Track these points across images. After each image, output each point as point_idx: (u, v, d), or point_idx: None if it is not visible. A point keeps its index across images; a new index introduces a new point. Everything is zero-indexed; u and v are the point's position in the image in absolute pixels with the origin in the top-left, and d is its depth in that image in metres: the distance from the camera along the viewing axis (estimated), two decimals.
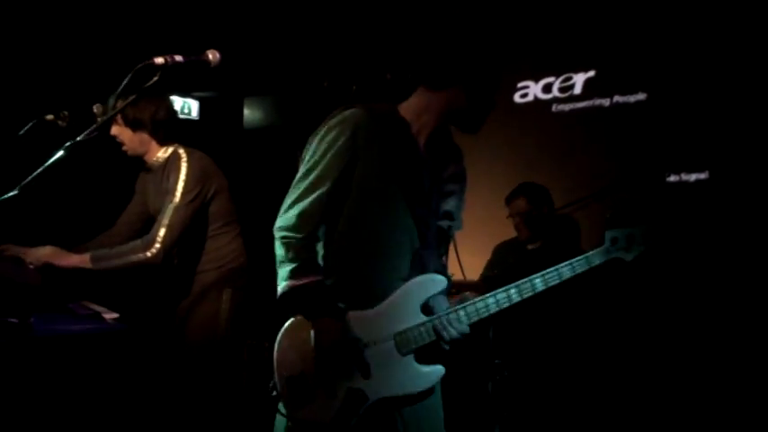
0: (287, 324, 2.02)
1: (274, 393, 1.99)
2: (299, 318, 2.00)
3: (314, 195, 1.96)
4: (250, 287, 3.10)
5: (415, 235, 2.01)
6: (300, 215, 1.96)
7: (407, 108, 2.07)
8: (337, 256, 2.01)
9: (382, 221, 1.99)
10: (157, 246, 2.78)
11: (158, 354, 3.11)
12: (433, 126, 2.07)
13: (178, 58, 1.91)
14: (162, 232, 2.80)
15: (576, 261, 2.00)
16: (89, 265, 2.78)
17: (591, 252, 2.01)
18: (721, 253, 3.59)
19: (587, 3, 4.23)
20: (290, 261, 1.95)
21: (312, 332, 1.94)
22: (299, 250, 1.96)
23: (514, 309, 2.01)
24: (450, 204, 2.08)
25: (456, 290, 2.35)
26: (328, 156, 1.96)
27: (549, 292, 1.98)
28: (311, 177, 1.97)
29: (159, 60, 1.88)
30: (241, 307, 3.04)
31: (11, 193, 1.89)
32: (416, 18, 4.59)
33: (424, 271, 2.02)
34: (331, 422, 1.93)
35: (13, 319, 2.27)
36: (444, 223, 2.07)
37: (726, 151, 3.73)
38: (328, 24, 4.89)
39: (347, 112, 1.99)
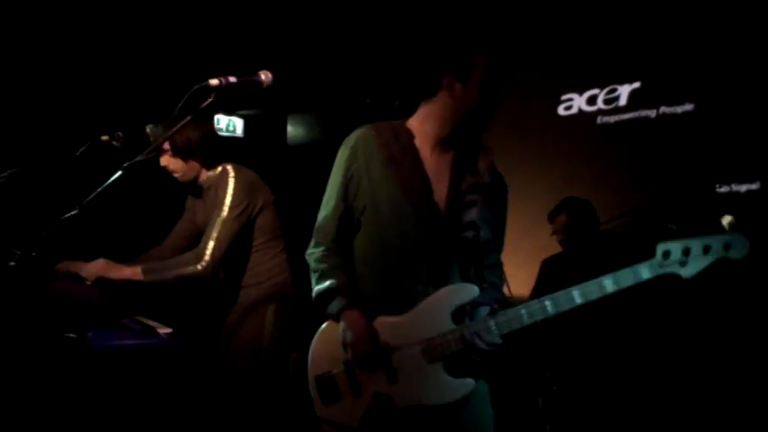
0: (321, 327, 2.13)
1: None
2: (331, 321, 2.10)
3: (326, 211, 2.14)
4: (295, 301, 3.13)
5: (428, 243, 2.03)
6: (317, 230, 2.16)
7: (414, 119, 2.15)
8: (359, 266, 2.12)
9: (391, 230, 2.06)
10: (207, 259, 2.84)
11: (205, 368, 3.16)
12: (438, 133, 2.10)
13: (232, 79, 1.95)
14: (211, 245, 2.86)
15: (621, 273, 1.87)
16: (140, 278, 2.84)
17: (638, 265, 1.87)
18: None
19: (631, 14, 4.19)
20: (314, 271, 2.13)
21: (340, 329, 2.02)
22: (319, 260, 2.12)
23: (564, 322, 1.97)
24: (471, 214, 2.06)
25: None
26: (335, 174, 2.14)
27: (598, 304, 1.90)
28: (325, 196, 2.16)
29: (214, 82, 1.92)
30: (287, 321, 3.06)
31: (72, 212, 1.93)
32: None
33: (444, 280, 2.03)
34: (358, 425, 1.99)
35: (71, 335, 2.32)
36: (469, 233, 2.05)
37: None
38: (371, 40, 4.93)
39: (353, 132, 2.14)
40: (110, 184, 1.96)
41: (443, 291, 2.01)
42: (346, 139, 2.16)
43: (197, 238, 3.07)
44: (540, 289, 3.86)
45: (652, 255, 1.88)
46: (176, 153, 3.00)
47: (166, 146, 2.97)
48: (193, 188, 3.19)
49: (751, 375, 3.47)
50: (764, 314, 3.51)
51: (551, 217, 3.87)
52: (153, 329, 2.66)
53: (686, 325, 3.69)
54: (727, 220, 1.93)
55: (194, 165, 3.07)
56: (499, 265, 2.20)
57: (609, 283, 1.89)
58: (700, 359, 3.62)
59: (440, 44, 2.11)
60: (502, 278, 2.20)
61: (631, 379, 3.55)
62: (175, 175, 3.08)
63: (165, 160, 3.03)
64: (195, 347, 3.06)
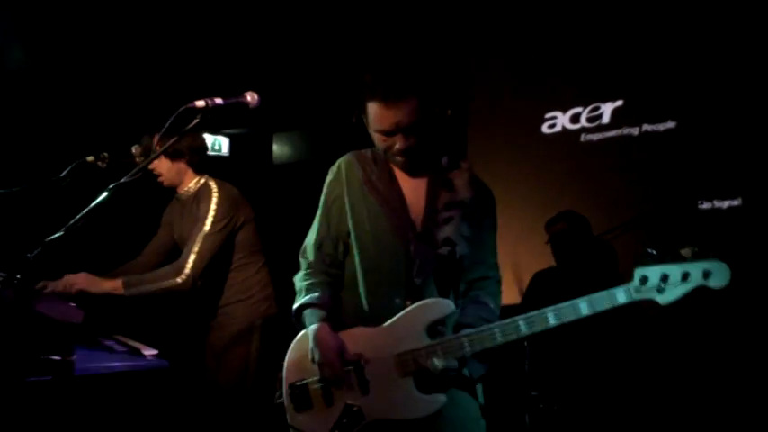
0: (297, 336, 2.17)
1: (279, 400, 2.10)
2: (306, 331, 2.12)
3: (310, 235, 2.22)
4: (279, 319, 3.13)
5: (405, 259, 2.07)
6: (301, 252, 2.23)
7: None
8: (347, 284, 2.17)
9: (372, 247, 2.11)
10: (187, 272, 2.87)
11: (191, 390, 3.14)
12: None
13: (218, 100, 1.95)
14: (192, 258, 2.89)
15: (597, 297, 1.86)
16: (121, 291, 2.86)
17: (614, 288, 1.86)
18: (758, 281, 3.54)
19: (613, 33, 4.25)
20: (296, 290, 2.18)
21: (309, 346, 2.05)
22: (300, 279, 2.19)
23: (551, 339, 1.97)
24: (447, 231, 2.08)
25: None
26: (321, 199, 2.23)
27: (585, 320, 1.89)
28: (316, 215, 2.24)
29: (200, 104, 1.92)
30: (272, 345, 3.06)
31: (57, 234, 1.92)
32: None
33: (422, 295, 2.05)
34: None
35: (55, 357, 2.30)
36: (444, 250, 2.07)
37: (759, 177, 3.69)
38: (355, 59, 4.96)
39: (338, 160, 2.24)
40: (95, 205, 1.95)
41: (418, 306, 2.03)
42: (331, 167, 2.25)
43: (172, 254, 3.10)
44: (529, 302, 3.88)
45: (629, 279, 1.87)
46: (165, 154, 3.03)
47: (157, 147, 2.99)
48: (167, 202, 3.22)
49: (740, 390, 3.49)
50: (752, 328, 3.54)
51: (548, 226, 3.91)
52: (138, 351, 2.65)
53: (674, 342, 3.70)
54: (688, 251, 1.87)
55: (181, 166, 3.10)
56: (488, 278, 2.18)
57: (584, 307, 1.88)
58: (688, 375, 3.64)
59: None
60: (494, 291, 2.18)
61: (619, 396, 3.56)
62: (160, 178, 3.11)
63: (153, 162, 3.05)
64: (180, 368, 3.04)
